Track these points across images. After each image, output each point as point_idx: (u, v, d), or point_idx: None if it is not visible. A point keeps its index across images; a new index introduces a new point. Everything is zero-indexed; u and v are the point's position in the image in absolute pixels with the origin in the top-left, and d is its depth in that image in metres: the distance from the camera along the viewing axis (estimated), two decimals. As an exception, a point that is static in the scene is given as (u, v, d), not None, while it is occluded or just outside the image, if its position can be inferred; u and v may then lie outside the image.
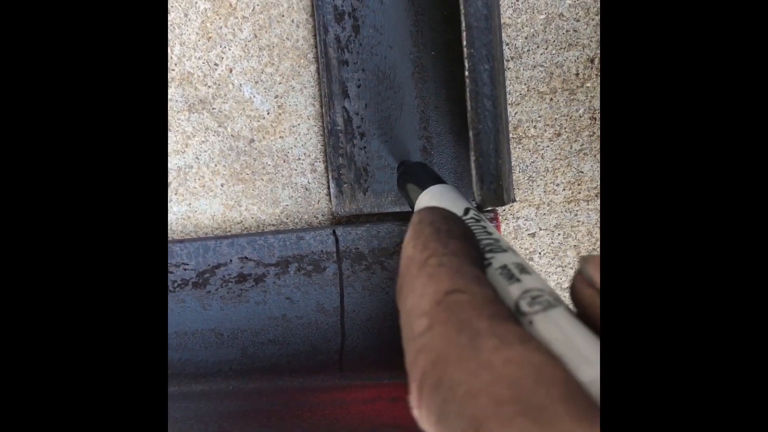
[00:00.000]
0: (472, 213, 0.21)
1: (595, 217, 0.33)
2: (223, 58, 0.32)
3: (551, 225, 0.33)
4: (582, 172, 0.32)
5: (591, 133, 0.32)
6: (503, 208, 0.33)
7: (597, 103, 0.32)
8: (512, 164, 0.32)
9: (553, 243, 0.33)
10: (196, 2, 0.31)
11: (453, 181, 0.31)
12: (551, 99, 0.32)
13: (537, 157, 0.32)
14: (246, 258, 0.32)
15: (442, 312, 0.15)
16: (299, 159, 0.32)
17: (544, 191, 0.32)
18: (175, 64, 0.32)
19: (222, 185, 0.33)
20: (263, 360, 0.32)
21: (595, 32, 0.31)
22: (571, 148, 0.32)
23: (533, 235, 0.33)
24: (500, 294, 0.16)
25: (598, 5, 0.31)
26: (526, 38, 0.31)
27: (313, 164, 0.32)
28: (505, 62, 0.31)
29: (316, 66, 0.32)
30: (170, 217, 0.33)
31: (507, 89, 0.31)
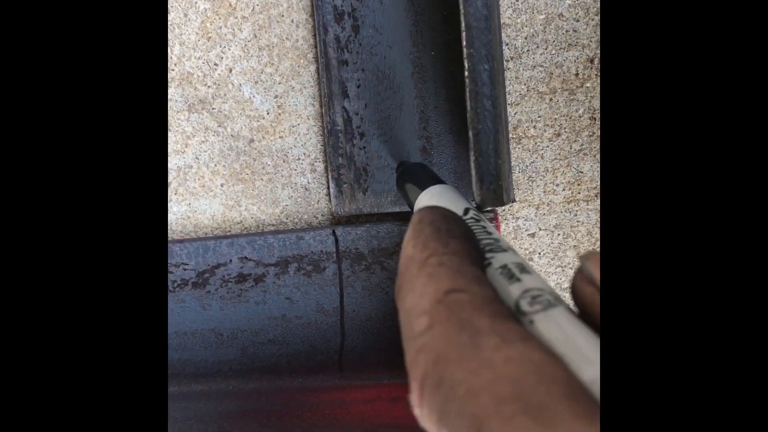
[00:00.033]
0: (471, 213, 0.21)
1: (595, 217, 0.33)
2: (222, 58, 0.32)
3: (551, 225, 0.33)
4: (582, 173, 0.32)
5: (591, 133, 0.32)
6: (503, 208, 0.33)
7: (597, 103, 0.32)
8: (512, 164, 0.32)
9: (552, 243, 0.33)
10: (196, 2, 0.31)
11: (453, 181, 0.31)
12: (551, 99, 0.32)
13: (537, 158, 0.32)
14: (246, 258, 0.32)
15: (442, 311, 0.15)
16: (299, 159, 0.32)
17: (544, 191, 0.32)
18: (175, 64, 0.32)
19: (222, 185, 0.33)
20: (263, 360, 0.32)
21: (595, 32, 0.31)
22: (570, 148, 0.32)
23: (533, 235, 0.33)
24: (501, 294, 0.16)
25: (598, 5, 0.31)
26: (525, 38, 0.31)
27: (313, 164, 0.32)
28: (505, 62, 0.31)
29: (316, 66, 0.32)
30: (170, 217, 0.33)
31: (507, 89, 0.32)
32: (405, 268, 0.17)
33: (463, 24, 0.23)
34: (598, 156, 0.32)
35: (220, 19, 0.31)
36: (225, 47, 0.32)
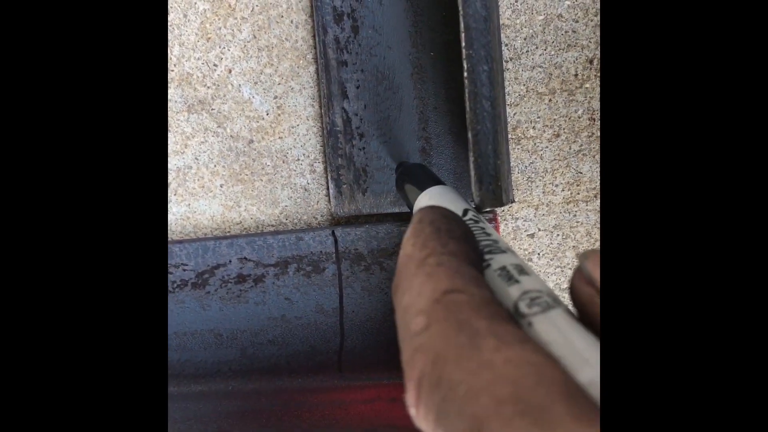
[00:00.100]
0: (470, 214, 0.21)
1: (594, 217, 0.33)
2: (222, 58, 0.32)
3: (550, 226, 0.33)
4: (581, 173, 0.32)
5: (590, 134, 0.32)
6: (502, 208, 0.33)
7: (596, 104, 0.32)
8: (511, 165, 0.32)
9: (552, 244, 0.33)
10: (196, 3, 0.31)
11: (452, 181, 0.31)
12: (550, 100, 0.32)
13: (536, 158, 0.32)
14: (245, 258, 0.32)
15: (440, 311, 0.15)
16: (298, 160, 0.32)
17: (543, 192, 0.33)
18: (175, 65, 0.32)
19: (221, 186, 0.33)
20: (262, 360, 0.33)
21: (594, 33, 0.31)
22: (570, 148, 0.32)
23: (532, 235, 0.33)
24: (499, 295, 0.16)
25: (597, 6, 0.31)
26: (524, 39, 0.31)
27: (312, 165, 0.33)
28: (504, 63, 0.31)
29: (315, 67, 0.32)
30: (170, 217, 0.33)
31: (506, 90, 0.32)
32: (403, 266, 0.17)
33: (462, 25, 0.23)
34: (598, 156, 0.32)
35: (219, 19, 0.32)
36: (224, 48, 0.32)
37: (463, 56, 0.23)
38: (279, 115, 0.32)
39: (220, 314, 0.33)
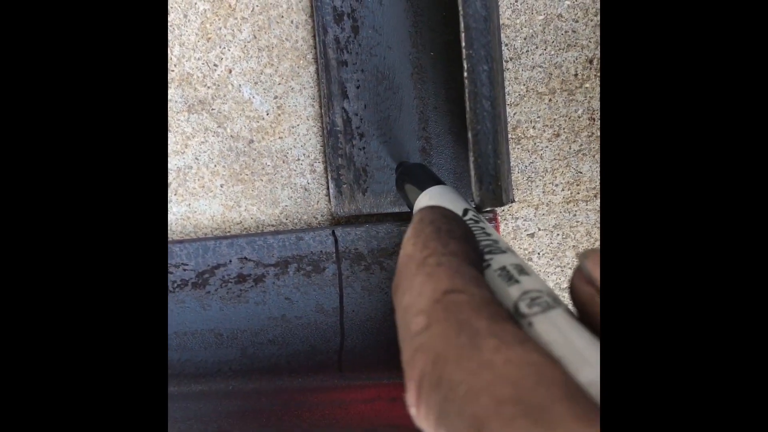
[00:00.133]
0: (470, 214, 0.21)
1: (594, 217, 0.33)
2: (222, 58, 0.32)
3: (550, 225, 0.33)
4: (581, 173, 0.32)
5: (590, 134, 0.32)
6: (502, 208, 0.33)
7: (596, 104, 0.32)
8: (511, 165, 0.32)
9: (552, 243, 0.33)
10: (196, 3, 0.31)
11: (452, 181, 0.31)
12: (550, 99, 0.32)
13: (536, 158, 0.32)
14: (245, 258, 0.32)
15: (440, 311, 0.15)
16: (298, 159, 0.32)
17: (543, 192, 0.33)
18: (175, 65, 0.32)
19: (221, 186, 0.33)
20: (263, 360, 0.33)
21: (594, 33, 0.31)
22: (570, 148, 0.32)
23: (532, 235, 0.33)
24: (499, 296, 0.16)
25: (597, 6, 0.31)
26: (524, 39, 0.31)
27: (313, 165, 0.33)
28: (504, 63, 0.31)
29: (316, 67, 0.32)
30: (170, 217, 0.33)
31: (506, 90, 0.32)
32: (403, 266, 0.17)
33: (462, 25, 0.23)
34: (598, 156, 0.32)
35: (219, 20, 0.32)
36: (224, 48, 0.32)
37: (463, 56, 0.23)
38: (279, 115, 0.32)
39: (221, 314, 0.33)
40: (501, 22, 0.31)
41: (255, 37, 0.32)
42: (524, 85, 0.32)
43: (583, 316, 0.16)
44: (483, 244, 0.19)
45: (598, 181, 0.32)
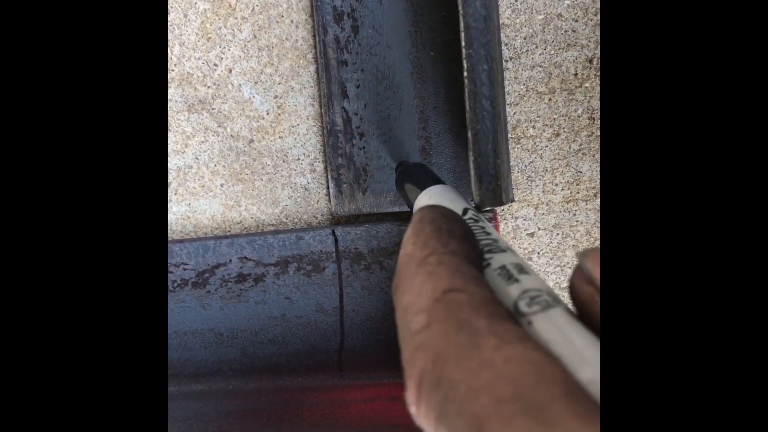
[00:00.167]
0: (470, 213, 0.21)
1: (594, 216, 0.33)
2: (222, 58, 0.32)
3: (550, 225, 0.33)
4: (581, 172, 0.32)
5: (589, 133, 0.32)
6: (502, 208, 0.33)
7: (595, 103, 0.32)
8: (511, 164, 0.32)
9: (551, 243, 0.33)
10: (196, 3, 0.31)
11: (452, 181, 0.31)
12: (550, 99, 0.32)
13: (536, 157, 0.32)
14: (245, 258, 0.32)
15: (440, 310, 0.15)
16: (298, 159, 0.33)
17: (543, 191, 0.33)
18: (175, 65, 0.32)
19: (221, 185, 0.33)
20: (263, 360, 0.33)
21: (594, 32, 0.31)
22: (569, 148, 0.32)
23: (532, 234, 0.33)
24: (499, 295, 0.17)
25: (597, 5, 0.31)
26: (524, 38, 0.31)
27: (313, 164, 0.33)
28: (504, 62, 0.31)
29: (316, 66, 0.32)
30: (170, 217, 0.33)
31: (506, 89, 0.32)
32: (404, 265, 0.18)
33: (462, 24, 0.23)
34: (597, 156, 0.32)
35: (219, 19, 0.32)
36: (225, 48, 0.32)
37: (463, 56, 0.23)
38: (279, 114, 0.32)
39: (221, 313, 0.33)
40: (501, 21, 0.31)
41: (255, 37, 0.32)
42: (524, 84, 0.32)
43: (582, 315, 0.16)
44: (483, 244, 0.19)
45: (598, 181, 0.32)
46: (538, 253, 0.33)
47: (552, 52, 0.31)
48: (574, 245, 0.33)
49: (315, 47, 0.31)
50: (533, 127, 0.32)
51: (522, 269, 0.17)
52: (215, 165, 0.33)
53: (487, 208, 0.31)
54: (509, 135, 0.32)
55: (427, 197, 0.24)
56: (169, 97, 0.32)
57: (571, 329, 0.15)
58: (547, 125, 0.32)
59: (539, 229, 0.33)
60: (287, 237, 0.32)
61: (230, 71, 0.32)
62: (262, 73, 0.32)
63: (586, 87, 0.32)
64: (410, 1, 0.30)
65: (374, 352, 0.32)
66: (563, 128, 0.32)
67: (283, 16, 0.31)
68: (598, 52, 0.31)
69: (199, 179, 0.33)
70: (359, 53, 0.31)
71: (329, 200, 0.32)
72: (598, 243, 0.33)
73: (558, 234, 0.33)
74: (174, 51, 0.32)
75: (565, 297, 0.30)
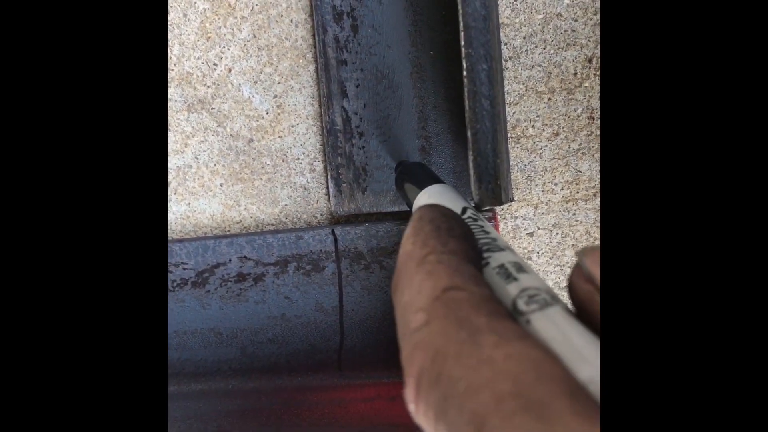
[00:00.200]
0: (469, 212, 0.21)
1: (593, 216, 0.33)
2: (222, 58, 0.32)
3: (549, 224, 0.33)
4: (580, 172, 0.32)
5: (589, 133, 0.32)
6: (501, 207, 0.33)
7: (595, 103, 0.32)
8: (510, 164, 0.32)
9: (551, 242, 0.33)
10: (195, 2, 0.31)
11: (451, 180, 0.31)
12: (549, 98, 0.32)
13: (535, 157, 0.32)
14: (245, 257, 0.32)
15: (439, 308, 0.15)
16: (298, 159, 0.33)
17: (543, 191, 0.33)
18: (175, 64, 0.32)
19: (221, 185, 0.33)
20: (262, 359, 0.33)
21: (594, 32, 0.31)
22: (569, 147, 0.32)
23: (531, 234, 0.33)
24: (498, 293, 0.17)
25: (597, 5, 0.31)
26: (524, 38, 0.31)
27: (312, 164, 0.33)
28: (504, 62, 0.31)
29: (315, 66, 0.32)
30: (170, 216, 0.33)
31: (505, 89, 0.32)
32: (403, 264, 0.18)
33: (461, 24, 0.23)
34: (597, 155, 0.32)
35: (219, 19, 0.32)
36: (224, 47, 0.32)
37: (463, 55, 0.23)
38: (279, 114, 0.32)
39: (220, 313, 0.33)
40: (500, 21, 0.31)
41: (255, 36, 0.32)
42: (523, 84, 0.32)
43: (581, 314, 0.16)
44: (482, 243, 0.19)
45: (598, 180, 0.32)
46: (538, 252, 0.33)
47: (551, 51, 0.31)
48: (573, 245, 0.33)
49: (314, 47, 0.31)
50: (533, 126, 0.32)
51: (521, 268, 0.17)
52: (215, 164, 0.33)
53: (487, 208, 0.31)
54: (509, 134, 0.32)
55: (427, 196, 0.24)
56: (168, 96, 0.32)
57: (570, 328, 0.15)
58: (546, 125, 0.32)
59: (539, 228, 0.33)
60: (287, 236, 0.32)
61: (230, 71, 0.32)
62: (261, 73, 0.32)
63: (586, 86, 0.32)
64: (410, 0, 0.30)
65: (374, 352, 0.32)
66: (563, 128, 0.32)
67: (282, 16, 0.31)
68: (597, 51, 0.31)
69: (198, 179, 0.33)
70: (359, 53, 0.31)
71: (329, 200, 0.32)
72: (597, 242, 0.33)
73: (557, 233, 0.33)
74: (174, 50, 0.32)
75: (565, 296, 0.30)
